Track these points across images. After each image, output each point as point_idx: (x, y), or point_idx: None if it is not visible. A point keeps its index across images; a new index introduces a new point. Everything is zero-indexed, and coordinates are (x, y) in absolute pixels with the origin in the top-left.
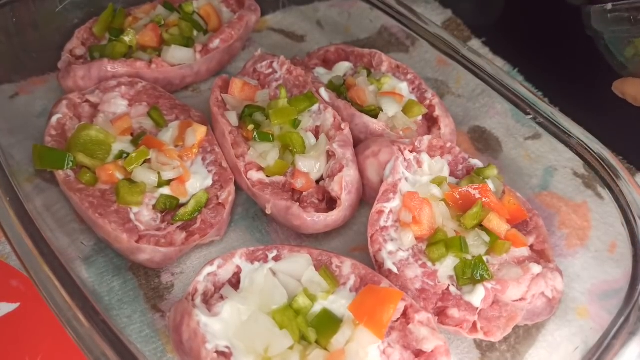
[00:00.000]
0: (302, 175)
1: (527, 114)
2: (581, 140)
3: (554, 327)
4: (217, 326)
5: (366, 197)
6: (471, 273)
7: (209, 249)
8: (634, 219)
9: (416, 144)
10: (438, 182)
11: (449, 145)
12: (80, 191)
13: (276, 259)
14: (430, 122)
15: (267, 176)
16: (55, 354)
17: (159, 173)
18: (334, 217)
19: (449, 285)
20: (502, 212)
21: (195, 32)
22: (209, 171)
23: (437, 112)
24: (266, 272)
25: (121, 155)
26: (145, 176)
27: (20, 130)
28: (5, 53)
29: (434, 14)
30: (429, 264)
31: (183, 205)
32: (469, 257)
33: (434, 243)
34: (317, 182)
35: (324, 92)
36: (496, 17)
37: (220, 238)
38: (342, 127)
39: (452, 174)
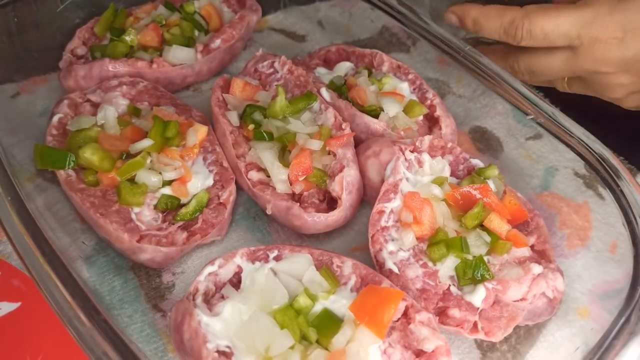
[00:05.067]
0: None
1: (528, 114)
2: (582, 141)
3: (555, 327)
4: (218, 326)
5: (367, 197)
6: (472, 273)
7: (210, 249)
8: (635, 219)
9: (417, 144)
10: (439, 182)
11: (449, 145)
12: (82, 191)
13: (277, 258)
14: (431, 122)
15: (267, 176)
16: (56, 353)
17: (160, 174)
18: (334, 217)
19: (449, 285)
20: (503, 212)
21: (196, 32)
22: (210, 171)
23: (438, 112)
24: (267, 271)
25: (122, 156)
26: (147, 178)
27: (22, 129)
28: (6, 52)
29: None
30: (430, 264)
31: (184, 205)
32: (470, 257)
33: (434, 243)
34: None
35: (324, 92)
36: None
37: (221, 238)
38: (343, 127)
39: (453, 174)
